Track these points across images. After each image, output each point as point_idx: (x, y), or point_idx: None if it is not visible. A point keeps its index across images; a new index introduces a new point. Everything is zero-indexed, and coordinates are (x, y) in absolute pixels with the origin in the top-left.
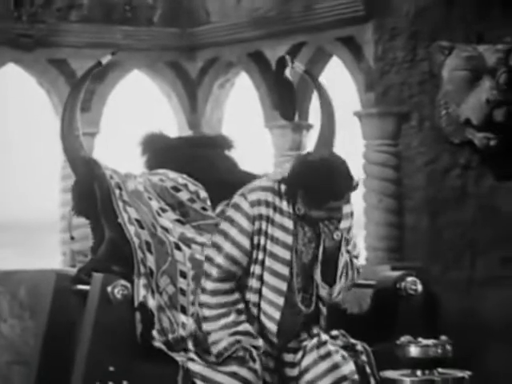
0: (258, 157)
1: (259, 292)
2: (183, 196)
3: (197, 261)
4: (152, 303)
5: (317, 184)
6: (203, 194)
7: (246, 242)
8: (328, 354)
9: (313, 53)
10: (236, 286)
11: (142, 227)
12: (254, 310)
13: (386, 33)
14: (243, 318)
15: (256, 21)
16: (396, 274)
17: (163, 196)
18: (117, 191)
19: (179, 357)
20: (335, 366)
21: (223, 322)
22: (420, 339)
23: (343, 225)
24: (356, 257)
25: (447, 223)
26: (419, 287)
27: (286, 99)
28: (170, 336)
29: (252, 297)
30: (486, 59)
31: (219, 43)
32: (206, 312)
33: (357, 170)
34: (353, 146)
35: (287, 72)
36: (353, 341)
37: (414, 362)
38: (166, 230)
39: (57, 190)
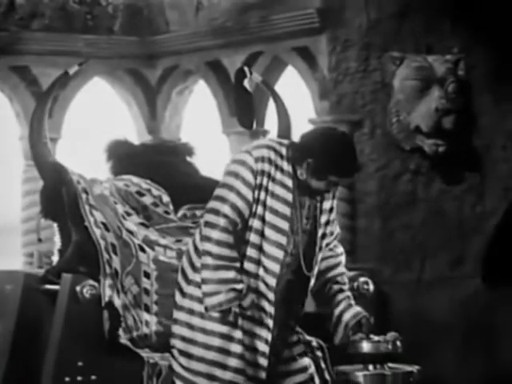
0: (216, 162)
1: (260, 247)
2: (147, 200)
3: (160, 262)
4: (117, 302)
5: (328, 156)
6: (166, 198)
7: (249, 195)
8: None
9: (269, 62)
10: (236, 243)
11: (107, 230)
12: (252, 266)
13: (340, 44)
14: (240, 277)
15: (214, 30)
16: (349, 274)
17: (128, 200)
18: (83, 195)
19: (144, 353)
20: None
21: (223, 275)
22: (372, 336)
23: (322, 219)
24: (340, 254)
25: (398, 226)
26: (371, 287)
27: (245, 108)
28: (135, 333)
29: (252, 252)
30: (435, 69)
31: (178, 52)
32: (209, 260)
33: None
34: None
35: (246, 82)
36: (308, 337)
37: (366, 357)
38: (130, 232)
39: (17, 193)
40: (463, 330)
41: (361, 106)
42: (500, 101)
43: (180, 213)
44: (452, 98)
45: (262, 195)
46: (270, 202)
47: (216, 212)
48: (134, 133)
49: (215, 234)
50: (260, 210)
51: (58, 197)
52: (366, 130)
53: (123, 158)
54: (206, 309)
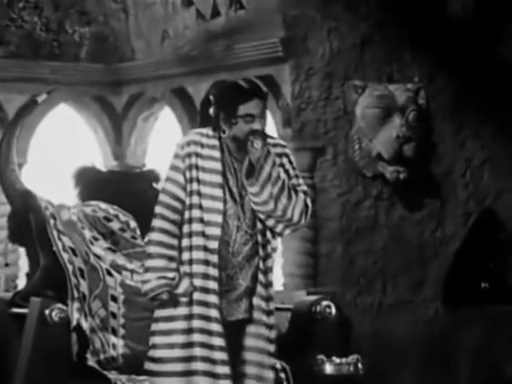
0: None
1: (201, 219)
2: (114, 226)
3: (127, 286)
4: (85, 325)
5: (225, 91)
6: (133, 223)
7: (180, 178)
8: None
9: None
10: (176, 231)
11: (75, 255)
12: (196, 239)
13: (303, 72)
14: (173, 265)
15: (179, 59)
16: (311, 298)
17: (95, 225)
18: (51, 221)
19: (111, 375)
20: None
21: (155, 264)
22: (334, 358)
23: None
24: (304, 192)
25: (360, 251)
26: (333, 311)
27: None
28: (102, 356)
29: (194, 226)
30: (396, 98)
31: (144, 79)
32: (149, 248)
33: None
34: None
35: (211, 111)
36: (272, 360)
37: (328, 378)
38: (98, 257)
39: None
40: (423, 352)
41: (323, 134)
42: (459, 129)
43: (147, 238)
44: (413, 126)
45: (194, 173)
46: (202, 176)
47: (158, 203)
48: (100, 158)
49: (156, 223)
50: (195, 185)
51: (26, 222)
52: (329, 156)
53: (91, 184)
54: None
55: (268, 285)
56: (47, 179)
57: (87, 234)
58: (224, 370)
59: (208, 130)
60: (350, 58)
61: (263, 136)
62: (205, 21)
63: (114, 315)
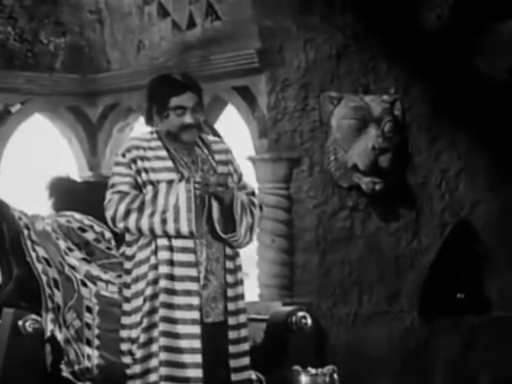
0: None
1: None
2: (89, 236)
3: (102, 297)
4: (59, 336)
5: (157, 82)
6: (108, 234)
7: (129, 179)
8: None
9: (209, 101)
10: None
11: (49, 265)
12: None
13: (279, 83)
14: None
15: (155, 69)
16: (287, 309)
17: (70, 236)
18: (25, 231)
19: None
20: None
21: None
22: (309, 368)
23: (221, 169)
24: (252, 193)
25: (335, 262)
26: (309, 321)
27: None
28: (77, 367)
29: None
30: (372, 109)
31: (119, 89)
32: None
33: None
34: None
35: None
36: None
37: None
38: (72, 268)
39: None
40: (399, 363)
41: (299, 144)
42: (435, 140)
43: (122, 249)
44: (388, 137)
45: (145, 176)
46: (154, 176)
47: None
48: (75, 169)
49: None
50: (150, 189)
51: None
52: (305, 167)
53: (65, 194)
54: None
55: (237, 284)
56: (21, 189)
57: (62, 244)
58: (197, 373)
59: (145, 134)
60: (326, 69)
61: (197, 130)
62: (181, 31)
63: (88, 326)
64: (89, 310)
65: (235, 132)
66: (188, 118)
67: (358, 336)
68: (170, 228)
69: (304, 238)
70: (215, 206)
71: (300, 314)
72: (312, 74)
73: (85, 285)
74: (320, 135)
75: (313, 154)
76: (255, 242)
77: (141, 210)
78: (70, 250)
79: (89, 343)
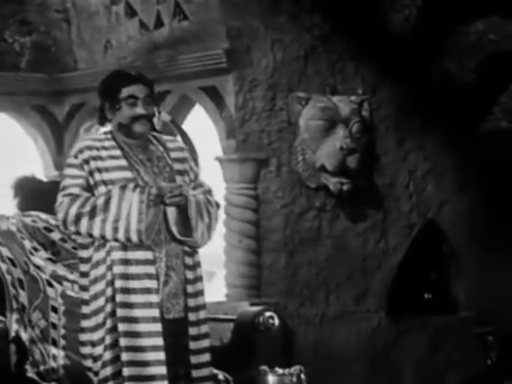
0: None
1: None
2: (55, 236)
3: (68, 297)
4: (25, 336)
5: (108, 77)
6: None
7: (81, 181)
8: None
9: (177, 101)
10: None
11: (14, 265)
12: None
13: (247, 84)
14: None
15: (123, 69)
16: (255, 309)
17: (35, 236)
18: None
19: None
20: None
21: None
22: (277, 368)
23: (177, 167)
24: (209, 191)
25: (303, 262)
26: (276, 322)
27: None
28: (42, 367)
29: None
30: (339, 109)
31: (86, 89)
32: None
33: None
34: (214, 189)
35: (154, 121)
36: (215, 371)
37: None
38: (38, 267)
39: None
40: (367, 363)
41: (267, 145)
42: (403, 141)
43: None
44: (356, 138)
45: (98, 176)
46: (107, 176)
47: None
48: (41, 168)
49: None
50: (103, 189)
51: None
52: (272, 167)
53: (31, 194)
54: None
55: (196, 280)
56: None
57: (27, 244)
58: (160, 370)
59: (99, 134)
60: (294, 69)
61: (149, 122)
62: (148, 31)
63: (54, 326)
64: (55, 310)
65: (203, 132)
66: (140, 109)
67: (326, 336)
68: (121, 236)
69: (271, 238)
70: (171, 211)
71: (267, 314)
72: (280, 75)
73: (51, 285)
74: (288, 136)
75: (280, 155)
76: (223, 242)
77: (92, 214)
78: (36, 249)
79: (54, 343)
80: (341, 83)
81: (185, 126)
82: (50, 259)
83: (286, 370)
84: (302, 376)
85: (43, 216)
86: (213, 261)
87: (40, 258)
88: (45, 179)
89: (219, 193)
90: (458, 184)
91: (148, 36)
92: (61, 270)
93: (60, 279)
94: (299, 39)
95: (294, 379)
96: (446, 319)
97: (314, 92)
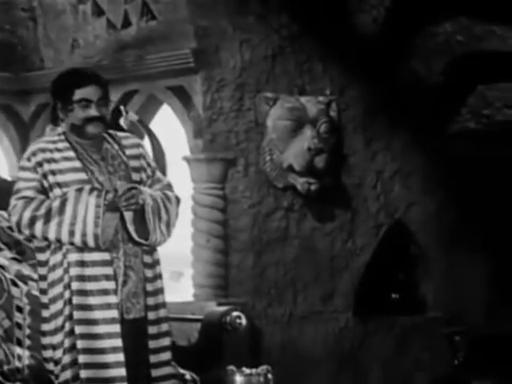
0: None
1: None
2: (19, 235)
3: (33, 296)
4: None
5: (61, 77)
6: None
7: (34, 183)
8: None
9: (144, 100)
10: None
11: None
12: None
13: (214, 84)
14: None
15: (90, 68)
16: (222, 309)
17: None
18: None
19: None
20: None
21: None
22: (244, 368)
23: (133, 164)
24: (168, 186)
25: (270, 262)
26: (243, 321)
27: None
28: (6, 367)
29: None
30: (307, 110)
31: None
32: None
33: (186, 211)
34: (182, 189)
35: (121, 121)
36: (182, 371)
37: None
38: (2, 267)
39: None
40: (334, 363)
41: (235, 145)
42: (370, 141)
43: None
44: (324, 138)
45: (52, 179)
46: (61, 178)
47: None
48: (6, 168)
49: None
50: (58, 191)
51: None
52: (240, 167)
53: None
54: None
55: (156, 278)
56: None
57: None
58: (120, 372)
59: (51, 137)
60: (262, 69)
61: (103, 124)
62: (116, 31)
63: (19, 326)
64: (19, 309)
65: (170, 132)
66: (93, 111)
67: (293, 336)
68: (78, 240)
69: (239, 238)
70: (127, 215)
71: (234, 314)
72: (248, 75)
73: (15, 284)
74: (255, 136)
75: (248, 155)
76: (190, 241)
77: (47, 218)
78: (0, 249)
79: (19, 343)
80: (309, 84)
81: (152, 126)
82: (14, 259)
83: (254, 370)
84: (269, 376)
85: (7, 215)
86: (180, 261)
87: (4, 257)
88: (9, 178)
89: (187, 192)
90: (425, 184)
91: (115, 35)
92: (26, 270)
93: (25, 279)
94: (267, 39)
95: (261, 379)
96: (413, 319)
97: (281, 92)
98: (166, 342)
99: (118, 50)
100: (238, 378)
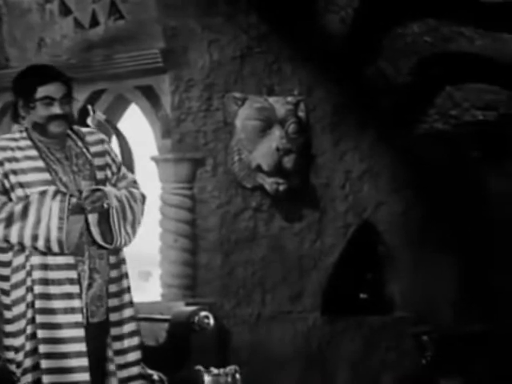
0: None
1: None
2: None
3: None
4: None
5: (23, 74)
6: None
7: None
8: None
9: (112, 100)
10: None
11: None
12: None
13: (183, 84)
14: None
15: (57, 67)
16: (190, 309)
17: None
18: None
19: None
20: None
21: None
22: (212, 368)
23: (98, 161)
24: (133, 182)
25: (239, 262)
26: (211, 321)
27: None
28: None
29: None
30: (276, 110)
31: None
32: None
33: (154, 211)
34: (150, 189)
35: (89, 120)
36: (150, 371)
37: None
38: None
39: None
40: (302, 362)
41: (203, 145)
42: (338, 141)
43: None
44: (292, 138)
45: (13, 179)
46: (23, 178)
47: None
48: None
49: None
50: (20, 192)
51: None
52: (208, 167)
53: None
54: None
55: (121, 277)
56: None
57: None
58: (84, 376)
59: (13, 134)
60: (230, 69)
61: (66, 122)
62: (83, 30)
63: None
64: None
65: (138, 132)
66: (56, 109)
67: (261, 336)
68: (41, 245)
69: (207, 238)
70: (92, 218)
71: (202, 313)
72: (216, 75)
73: None
74: (224, 136)
75: (217, 155)
76: (158, 241)
77: (9, 221)
78: None
79: None
80: (277, 84)
81: (120, 126)
82: None
83: (221, 370)
84: (237, 376)
85: None
86: (148, 261)
87: None
88: None
89: (155, 192)
90: (393, 184)
91: (83, 34)
92: None
93: None
94: (236, 40)
95: (229, 379)
96: (381, 319)
97: (250, 92)
98: (133, 341)
99: (86, 50)
100: (206, 378)
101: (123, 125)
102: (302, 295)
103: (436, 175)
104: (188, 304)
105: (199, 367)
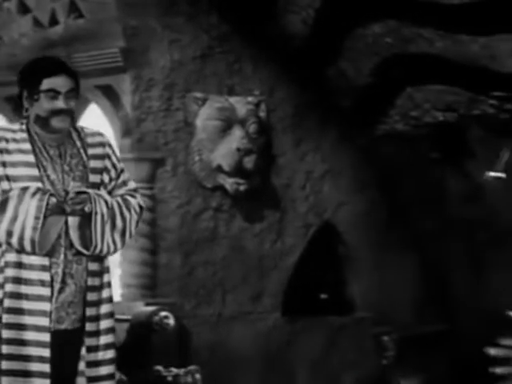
0: None
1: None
2: None
3: None
4: None
5: (30, 64)
6: None
7: None
8: None
9: None
10: None
11: None
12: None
13: (143, 83)
14: None
15: (15, 66)
16: (150, 309)
17: None
18: None
19: None
20: None
21: None
22: (172, 368)
23: (94, 164)
24: (133, 191)
25: (199, 262)
26: (171, 321)
27: None
28: None
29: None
30: (237, 110)
31: None
32: None
33: None
34: None
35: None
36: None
37: None
38: None
39: None
40: (263, 363)
41: (163, 144)
42: (299, 142)
43: None
44: (253, 139)
45: (1, 171)
46: (12, 171)
47: None
48: None
49: None
50: (5, 184)
51: None
52: (169, 167)
53: None
54: None
55: (101, 287)
56: None
57: None
58: (43, 382)
59: (13, 125)
60: (191, 69)
61: (70, 118)
62: (43, 29)
63: None
64: None
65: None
66: (60, 103)
67: (222, 336)
68: (15, 243)
69: (167, 238)
70: (72, 221)
71: (162, 313)
72: (177, 75)
73: None
74: (184, 136)
75: (177, 155)
76: None
77: None
78: None
79: None
80: (238, 84)
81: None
82: None
83: (182, 370)
84: (197, 376)
85: None
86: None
87: None
88: None
89: None
90: (354, 185)
91: (42, 33)
92: None
93: None
94: (197, 40)
95: (189, 379)
96: (341, 320)
97: (211, 92)
98: (108, 354)
99: (45, 48)
100: (166, 378)
101: (83, 124)
102: (263, 295)
103: (396, 176)
104: (148, 304)
105: (159, 367)
